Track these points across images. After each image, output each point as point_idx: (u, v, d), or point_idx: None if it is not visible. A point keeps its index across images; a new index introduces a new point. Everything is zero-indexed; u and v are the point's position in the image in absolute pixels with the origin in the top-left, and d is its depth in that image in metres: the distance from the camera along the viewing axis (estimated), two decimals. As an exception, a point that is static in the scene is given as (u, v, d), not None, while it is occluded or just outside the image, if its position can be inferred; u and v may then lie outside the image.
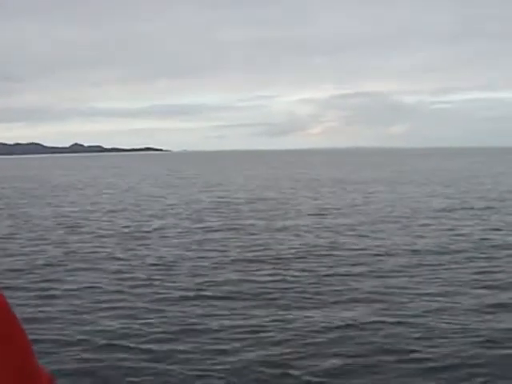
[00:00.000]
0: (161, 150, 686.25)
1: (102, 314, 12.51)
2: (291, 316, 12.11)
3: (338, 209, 31.91)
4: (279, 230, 24.49)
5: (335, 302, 13.14)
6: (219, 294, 13.96)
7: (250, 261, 17.94)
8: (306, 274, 15.95)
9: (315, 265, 17.05)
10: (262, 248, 20.11)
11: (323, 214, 29.43)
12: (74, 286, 14.92)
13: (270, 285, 14.74)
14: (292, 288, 14.39)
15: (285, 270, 16.52)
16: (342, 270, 16.46)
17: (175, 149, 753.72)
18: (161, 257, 18.76)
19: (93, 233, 24.49)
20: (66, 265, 17.71)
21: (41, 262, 18.32)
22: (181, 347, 10.38)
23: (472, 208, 30.77)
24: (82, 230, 25.50)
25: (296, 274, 16.00)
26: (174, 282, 15.32)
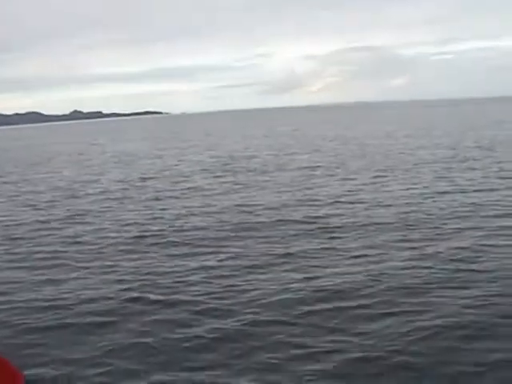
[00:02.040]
0: (160, 113, 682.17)
1: (84, 276, 12.19)
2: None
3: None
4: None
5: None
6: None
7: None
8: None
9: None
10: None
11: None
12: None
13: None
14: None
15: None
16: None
17: (175, 111, 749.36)
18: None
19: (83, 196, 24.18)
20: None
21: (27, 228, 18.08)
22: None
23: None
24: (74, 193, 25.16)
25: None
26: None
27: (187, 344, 8.51)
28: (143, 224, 17.23)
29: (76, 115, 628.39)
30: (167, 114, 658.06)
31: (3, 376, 1.89)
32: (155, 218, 18.06)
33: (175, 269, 12.23)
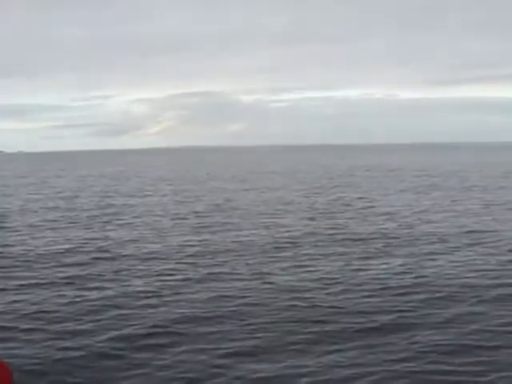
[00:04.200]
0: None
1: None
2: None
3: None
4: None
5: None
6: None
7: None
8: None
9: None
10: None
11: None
12: None
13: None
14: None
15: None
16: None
17: (9, 150, 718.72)
18: None
19: None
20: None
21: None
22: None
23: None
24: None
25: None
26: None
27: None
28: None
29: None
30: (1, 152, 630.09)
31: None
32: None
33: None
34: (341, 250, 19.10)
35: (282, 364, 9.70)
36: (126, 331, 11.25)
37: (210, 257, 18.14)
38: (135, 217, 28.21)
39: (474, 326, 11.24)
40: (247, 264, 16.98)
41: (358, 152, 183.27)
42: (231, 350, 10.25)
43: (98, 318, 12.08)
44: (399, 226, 23.86)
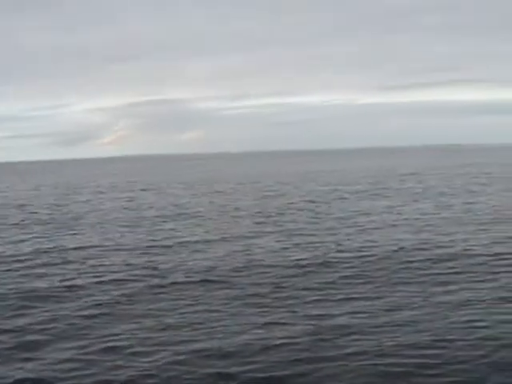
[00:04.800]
0: None
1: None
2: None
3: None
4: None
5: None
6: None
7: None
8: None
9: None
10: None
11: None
12: None
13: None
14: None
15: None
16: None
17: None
18: None
19: None
20: None
21: None
22: None
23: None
24: None
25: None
26: None
27: None
28: None
29: None
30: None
31: None
32: None
33: None
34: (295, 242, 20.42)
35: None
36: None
37: (161, 256, 18.76)
38: (87, 224, 28.31)
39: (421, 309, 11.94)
40: (198, 264, 17.49)
41: (319, 157, 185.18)
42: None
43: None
44: (349, 226, 24.64)
